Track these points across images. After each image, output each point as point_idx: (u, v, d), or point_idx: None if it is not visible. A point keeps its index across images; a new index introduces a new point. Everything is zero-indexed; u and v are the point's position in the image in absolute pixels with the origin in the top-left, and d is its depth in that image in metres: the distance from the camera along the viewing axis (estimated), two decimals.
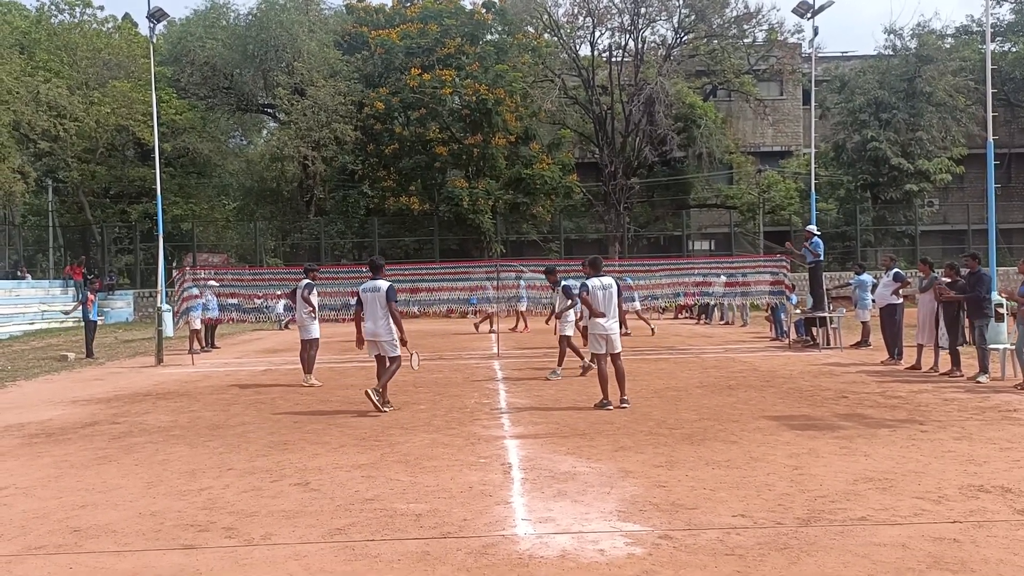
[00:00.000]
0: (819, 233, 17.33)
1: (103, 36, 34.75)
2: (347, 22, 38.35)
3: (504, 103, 34.22)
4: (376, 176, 35.95)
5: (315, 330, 12.15)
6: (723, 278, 18.29)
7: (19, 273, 31.91)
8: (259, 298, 17.13)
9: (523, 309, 20.51)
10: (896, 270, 13.86)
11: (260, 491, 5.97)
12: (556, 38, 37.59)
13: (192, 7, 37.02)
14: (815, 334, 16.43)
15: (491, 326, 19.39)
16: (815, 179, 26.89)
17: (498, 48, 36.82)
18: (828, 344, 16.02)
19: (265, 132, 42.95)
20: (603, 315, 9.23)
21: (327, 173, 35.48)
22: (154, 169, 25.00)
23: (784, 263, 17.42)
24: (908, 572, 4.14)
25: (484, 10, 38.15)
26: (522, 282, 17.94)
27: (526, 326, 21.54)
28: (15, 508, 5.70)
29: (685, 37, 37.67)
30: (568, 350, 12.49)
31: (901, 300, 13.73)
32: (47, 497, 5.98)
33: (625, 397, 9.30)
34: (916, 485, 5.73)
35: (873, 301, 15.07)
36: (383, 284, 9.39)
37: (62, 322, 27.21)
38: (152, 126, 25.46)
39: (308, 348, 12.10)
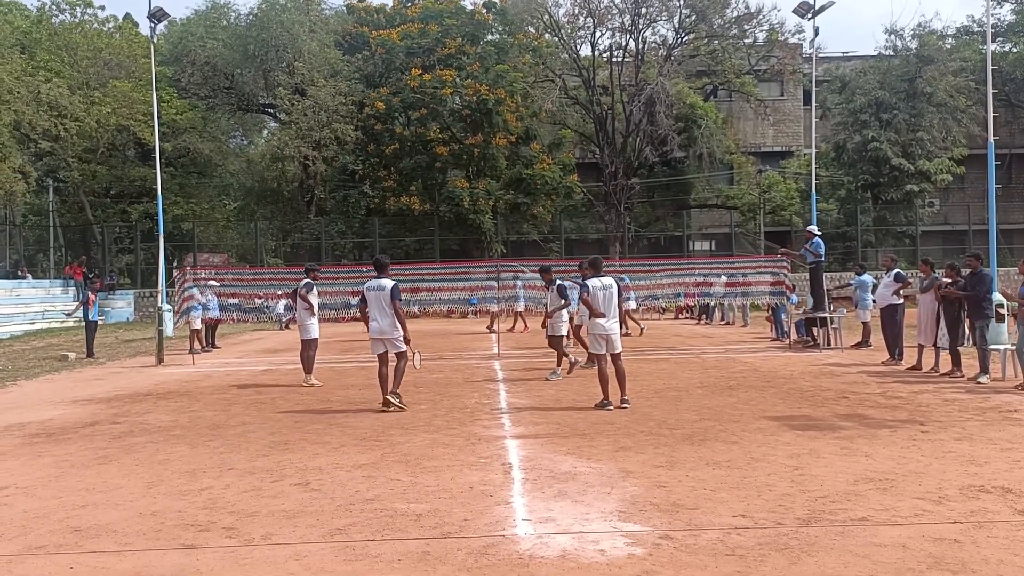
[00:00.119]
0: (820, 233, 17.33)
1: (104, 36, 34.77)
2: (348, 22, 38.37)
3: (505, 103, 34.23)
4: (377, 176, 35.97)
5: (314, 330, 12.15)
6: (724, 278, 18.30)
7: (20, 273, 31.94)
8: (260, 298, 17.17)
9: (520, 309, 20.52)
10: (897, 270, 13.86)
11: (260, 491, 5.97)
12: (557, 38, 37.60)
13: (193, 7, 37.14)
14: (816, 334, 16.43)
15: (492, 326, 19.39)
16: (816, 179, 26.89)
17: (499, 48, 36.83)
18: (829, 344, 16.02)
19: (266, 132, 42.96)
20: (603, 315, 9.23)
21: (328, 173, 35.50)
22: (155, 169, 25.01)
23: (784, 263, 17.43)
24: (908, 572, 4.13)
25: (484, 10, 38.16)
26: (519, 282, 17.95)
27: (525, 326, 21.54)
28: (16, 508, 5.70)
29: (686, 37, 37.68)
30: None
31: (902, 300, 13.73)
32: (48, 497, 5.99)
33: (626, 397, 9.30)
34: (917, 485, 5.73)
35: (874, 301, 15.07)
36: (388, 283, 9.46)
37: (62, 322, 27.22)
38: (153, 126, 25.47)
39: (307, 348, 12.10)
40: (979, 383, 10.75)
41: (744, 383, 11.25)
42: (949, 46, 38.18)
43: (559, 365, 12.44)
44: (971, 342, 11.61)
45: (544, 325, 12.78)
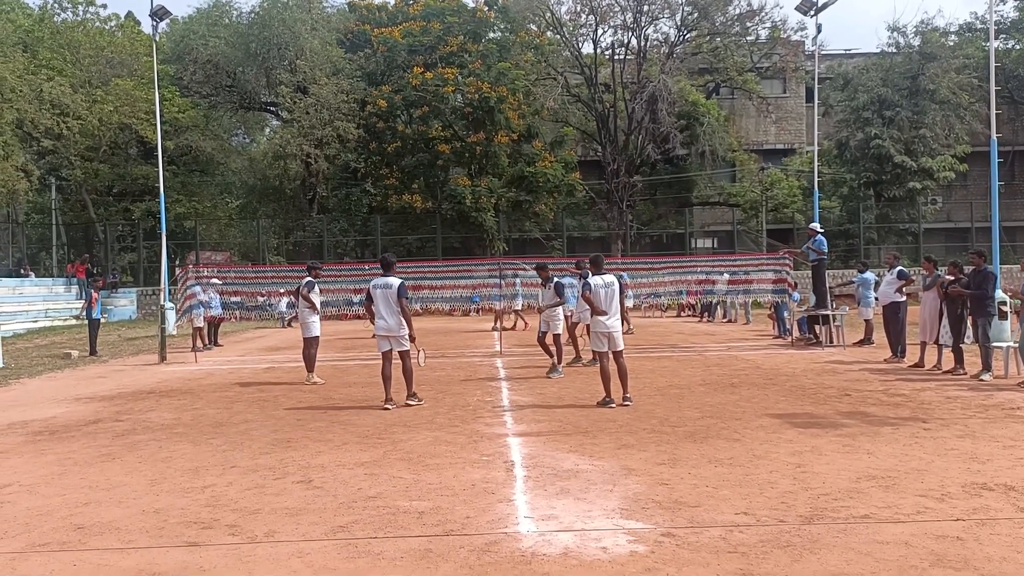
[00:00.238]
0: (823, 231, 17.30)
1: (106, 34, 34.81)
2: (349, 20, 38.38)
3: (507, 101, 34.24)
4: (379, 174, 36.01)
5: (316, 328, 12.16)
6: (726, 276, 18.28)
7: (23, 271, 31.99)
8: (262, 296, 17.21)
9: (519, 307, 20.51)
10: (900, 268, 13.84)
11: (263, 489, 5.98)
12: (559, 36, 37.60)
13: (195, 5, 37.17)
14: (818, 332, 16.42)
15: (496, 323, 19.40)
16: (818, 177, 26.87)
17: (501, 46, 36.82)
18: (831, 342, 16.01)
19: (268, 130, 43.01)
20: (605, 313, 9.24)
21: (330, 171, 35.53)
22: (157, 167, 25.03)
23: (787, 261, 17.40)
24: (911, 570, 4.13)
25: (486, 8, 38.16)
26: (518, 280, 17.95)
27: (525, 324, 21.51)
28: (19, 505, 5.72)
29: (688, 35, 37.68)
30: (540, 346, 12.80)
31: (904, 298, 13.71)
32: (51, 495, 6.00)
33: (628, 395, 9.30)
34: (919, 483, 5.73)
35: (876, 299, 15.05)
36: (395, 281, 9.49)
37: (65, 320, 27.27)
38: (155, 124, 25.49)
39: (309, 346, 12.11)
40: (982, 380, 10.74)
41: (746, 381, 11.25)
42: (952, 43, 38.13)
43: (559, 363, 12.47)
44: (973, 339, 11.59)
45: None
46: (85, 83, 31.95)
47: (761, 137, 42.69)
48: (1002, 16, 38.53)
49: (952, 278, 11.67)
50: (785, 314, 17.99)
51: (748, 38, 38.00)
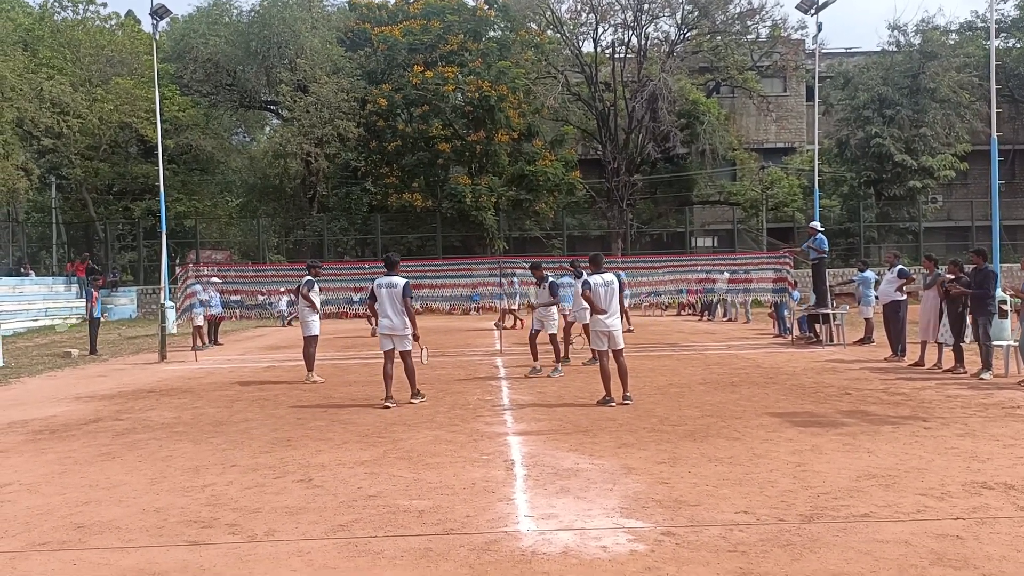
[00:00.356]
0: (823, 230, 17.29)
1: (106, 33, 34.80)
2: (349, 19, 38.36)
3: (507, 100, 34.23)
4: (379, 173, 36.01)
5: (315, 327, 12.17)
6: (726, 275, 18.29)
7: (23, 270, 31.99)
8: (262, 295, 17.22)
9: (515, 307, 20.49)
10: (900, 266, 13.84)
11: (263, 487, 5.98)
12: (559, 34, 37.57)
13: (195, 4, 37.11)
14: (818, 331, 16.42)
15: (500, 320, 19.40)
16: (818, 176, 26.86)
17: (501, 44, 36.80)
18: (831, 341, 16.01)
19: (268, 129, 43.01)
20: (604, 312, 9.24)
21: (330, 170, 35.52)
22: (157, 166, 25.03)
23: (787, 259, 17.41)
24: (911, 569, 4.13)
25: (486, 6, 38.13)
26: (515, 279, 17.96)
27: (521, 323, 21.48)
28: (19, 504, 5.72)
29: (688, 33, 37.65)
30: (529, 344, 12.78)
31: (905, 297, 13.71)
32: (51, 493, 6.00)
33: (628, 393, 9.30)
34: (919, 482, 5.72)
35: (876, 298, 15.05)
36: (400, 280, 9.53)
37: (65, 318, 27.27)
38: (155, 123, 25.49)
39: (309, 345, 12.12)
40: (982, 379, 10.74)
41: (746, 379, 11.25)
42: (952, 42, 38.10)
43: (559, 361, 12.49)
44: (973, 338, 11.59)
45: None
46: (85, 82, 31.95)
47: (761, 136, 42.68)
48: (1003, 15, 38.51)
49: (953, 277, 11.68)
50: (785, 313, 18.00)
51: (748, 37, 37.98)
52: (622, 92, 36.35)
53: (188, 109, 34.34)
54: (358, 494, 5.73)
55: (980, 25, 39.20)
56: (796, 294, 18.25)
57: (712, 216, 41.55)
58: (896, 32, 37.86)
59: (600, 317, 9.27)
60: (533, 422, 8.38)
